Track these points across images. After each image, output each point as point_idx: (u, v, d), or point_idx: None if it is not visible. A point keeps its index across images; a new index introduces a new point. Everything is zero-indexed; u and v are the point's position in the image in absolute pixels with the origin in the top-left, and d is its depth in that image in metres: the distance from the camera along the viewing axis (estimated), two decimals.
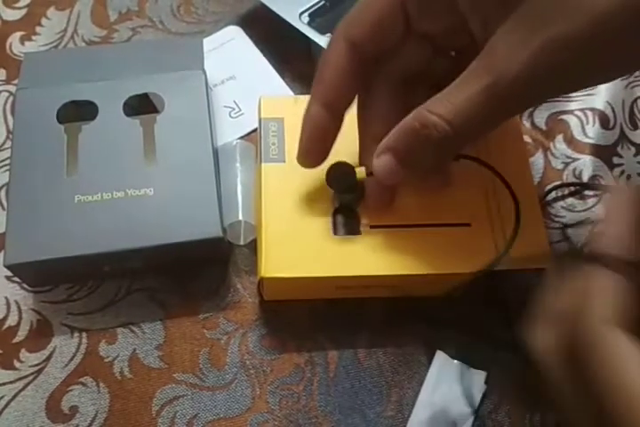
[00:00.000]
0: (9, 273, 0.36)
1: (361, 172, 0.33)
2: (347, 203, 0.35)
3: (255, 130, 0.42)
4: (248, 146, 0.40)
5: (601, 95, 0.44)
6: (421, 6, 0.29)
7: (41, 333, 0.37)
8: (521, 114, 0.44)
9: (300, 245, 0.34)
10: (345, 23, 0.30)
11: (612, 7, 0.22)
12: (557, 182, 0.41)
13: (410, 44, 0.30)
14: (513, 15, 0.25)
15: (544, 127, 0.44)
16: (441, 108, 0.27)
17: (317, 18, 0.43)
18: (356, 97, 0.32)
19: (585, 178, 0.42)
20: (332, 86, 0.30)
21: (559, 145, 0.43)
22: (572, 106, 0.44)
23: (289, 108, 0.38)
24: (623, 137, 0.43)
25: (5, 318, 0.37)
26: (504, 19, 0.25)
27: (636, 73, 0.46)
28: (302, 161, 0.33)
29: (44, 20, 0.48)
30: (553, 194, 0.41)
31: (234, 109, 0.44)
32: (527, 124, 0.44)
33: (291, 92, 0.44)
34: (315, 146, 0.32)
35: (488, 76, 0.25)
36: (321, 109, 0.31)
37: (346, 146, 0.34)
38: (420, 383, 0.35)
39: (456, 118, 0.26)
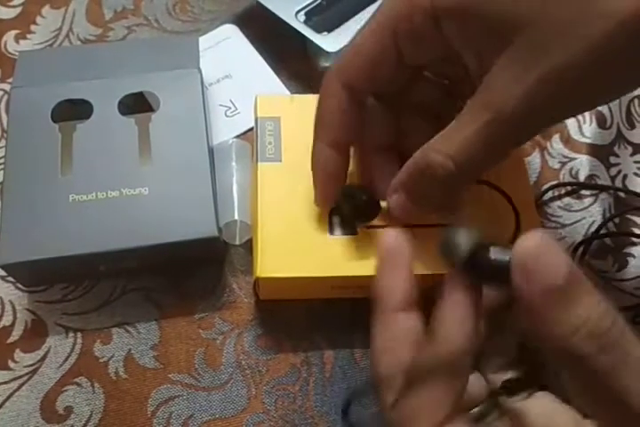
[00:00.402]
0: (3, 273, 0.36)
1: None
2: (349, 215, 0.34)
3: (251, 129, 0.42)
4: (244, 145, 0.40)
5: None
6: (414, 43, 0.29)
7: (35, 333, 0.36)
8: None
9: (296, 244, 0.33)
10: (338, 66, 0.30)
11: (610, 30, 0.22)
12: (554, 182, 0.41)
13: (402, 74, 0.31)
14: (508, 49, 0.24)
15: None
16: (444, 146, 0.27)
17: (314, 16, 0.43)
18: None
19: (582, 177, 0.42)
20: (334, 127, 0.31)
21: (556, 144, 0.43)
22: None
23: (285, 106, 0.38)
24: (620, 136, 0.43)
25: (0, 317, 0.37)
26: (499, 52, 0.25)
27: None
28: (322, 204, 0.34)
29: (38, 19, 0.48)
30: (550, 194, 0.41)
31: (229, 108, 0.44)
32: None
33: (287, 91, 0.44)
34: (331, 188, 0.33)
35: (487, 113, 0.25)
36: (327, 149, 0.31)
37: None
38: None
39: (459, 156, 0.26)
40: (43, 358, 0.36)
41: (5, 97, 0.44)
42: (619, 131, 0.43)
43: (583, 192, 0.41)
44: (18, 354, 0.36)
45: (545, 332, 0.20)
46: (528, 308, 0.20)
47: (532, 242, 0.20)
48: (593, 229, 0.40)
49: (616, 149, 0.43)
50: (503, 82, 0.25)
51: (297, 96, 0.38)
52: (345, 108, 0.30)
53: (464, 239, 0.22)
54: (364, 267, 0.33)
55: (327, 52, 0.41)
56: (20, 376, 0.35)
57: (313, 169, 0.32)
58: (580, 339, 0.19)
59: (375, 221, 0.34)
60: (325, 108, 0.31)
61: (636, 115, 0.44)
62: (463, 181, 0.29)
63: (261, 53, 0.46)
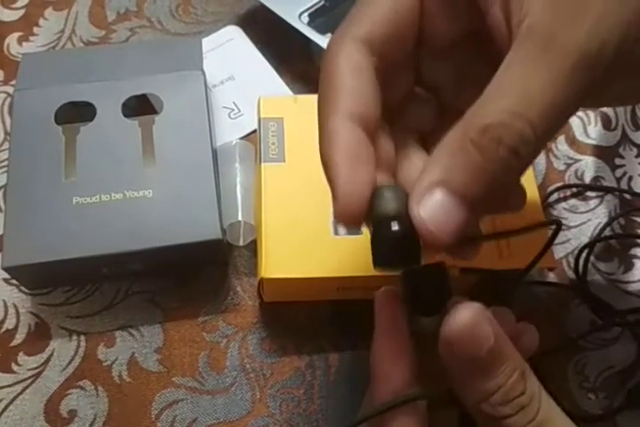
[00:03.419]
0: (7, 275, 0.35)
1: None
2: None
3: (254, 131, 0.42)
4: (247, 146, 0.40)
5: None
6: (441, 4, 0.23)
7: (39, 336, 0.36)
8: None
9: (300, 245, 0.33)
10: (349, 23, 0.23)
11: None
12: (559, 184, 0.41)
13: (412, 60, 0.25)
14: None
15: None
16: (517, 106, 0.19)
17: (317, 18, 0.43)
18: None
19: (587, 179, 0.42)
20: (354, 94, 0.22)
21: (561, 146, 0.43)
22: None
23: (289, 107, 0.37)
24: (625, 138, 0.43)
25: (3, 320, 0.37)
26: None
27: None
28: (347, 211, 0.21)
29: (41, 21, 0.48)
30: (555, 195, 0.41)
31: (233, 110, 0.44)
32: None
33: (290, 93, 0.44)
34: (361, 177, 0.21)
35: (564, 57, 0.19)
36: (348, 124, 0.22)
37: None
38: None
39: (539, 119, 0.19)
40: (46, 362, 0.36)
41: (8, 99, 0.44)
42: (624, 132, 0.43)
43: (589, 194, 0.41)
44: (21, 357, 0.36)
45: (464, 395, 0.22)
46: (450, 373, 0.22)
47: (460, 318, 0.21)
48: (599, 230, 0.40)
49: (621, 150, 0.42)
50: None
51: (300, 97, 0.38)
52: (367, 69, 0.22)
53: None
54: (370, 267, 0.33)
55: None
56: (24, 379, 0.35)
57: (326, 155, 0.22)
58: (492, 404, 0.21)
59: None
60: (341, 69, 0.22)
61: None
62: (531, 160, 0.20)
63: (265, 55, 0.46)
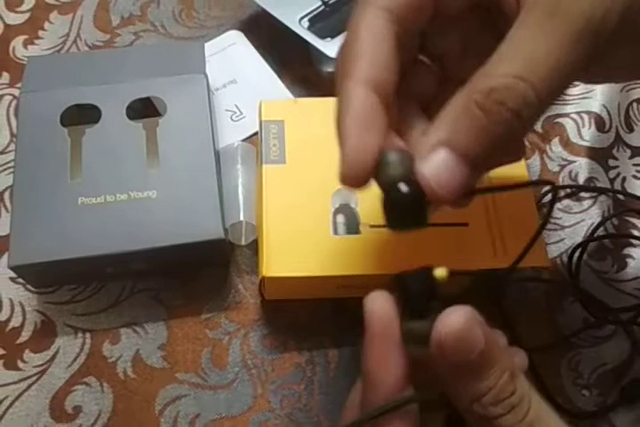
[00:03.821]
0: (13, 274, 0.36)
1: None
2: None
3: (256, 133, 0.42)
4: (249, 148, 0.41)
5: (597, 98, 0.45)
6: None
7: (45, 333, 0.37)
8: None
9: (300, 244, 0.34)
10: None
11: None
12: None
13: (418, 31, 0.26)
14: None
15: (540, 130, 0.44)
16: (520, 70, 0.20)
17: (317, 23, 0.44)
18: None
19: (581, 180, 0.42)
20: (374, 60, 0.23)
21: (555, 148, 0.44)
22: (568, 109, 0.45)
23: (289, 110, 0.38)
24: (619, 139, 0.44)
25: (9, 318, 0.37)
26: None
27: None
28: (351, 174, 0.22)
29: (46, 25, 0.48)
30: (549, 196, 0.42)
31: (235, 113, 0.44)
32: None
33: (291, 96, 0.45)
34: (370, 144, 0.22)
35: (569, 22, 0.20)
36: (363, 90, 0.22)
37: None
38: None
39: (542, 83, 0.20)
40: (52, 359, 0.36)
41: (14, 102, 0.45)
42: (617, 134, 0.44)
43: (582, 195, 0.42)
44: (27, 354, 0.36)
45: (455, 396, 0.22)
46: (442, 375, 0.22)
47: (452, 322, 0.21)
48: (592, 230, 0.40)
49: (615, 151, 0.43)
50: None
51: (300, 99, 0.39)
52: (385, 37, 0.23)
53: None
54: (368, 266, 0.34)
55: (330, 58, 0.42)
56: (30, 376, 0.36)
57: (338, 118, 0.23)
58: (483, 405, 0.21)
59: (377, 221, 0.35)
60: (362, 36, 0.23)
61: (634, 118, 0.44)
62: (533, 122, 0.22)
63: (266, 59, 0.47)
